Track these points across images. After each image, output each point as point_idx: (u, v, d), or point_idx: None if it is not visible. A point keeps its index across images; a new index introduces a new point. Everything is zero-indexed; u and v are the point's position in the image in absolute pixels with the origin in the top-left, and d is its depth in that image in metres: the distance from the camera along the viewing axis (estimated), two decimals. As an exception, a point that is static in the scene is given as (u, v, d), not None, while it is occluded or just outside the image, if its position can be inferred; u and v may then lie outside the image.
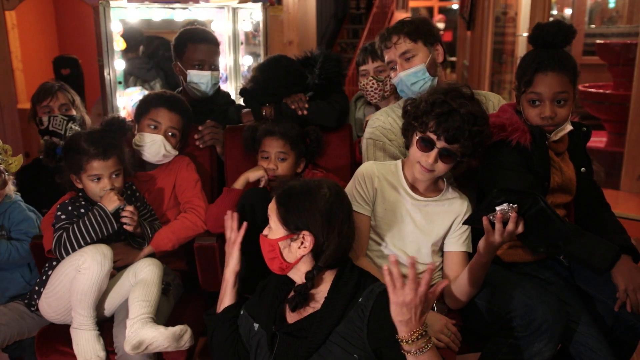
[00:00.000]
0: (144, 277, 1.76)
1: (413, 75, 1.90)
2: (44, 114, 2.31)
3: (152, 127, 2.04)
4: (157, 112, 2.05)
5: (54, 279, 1.77)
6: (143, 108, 2.08)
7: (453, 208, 1.72)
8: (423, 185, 1.72)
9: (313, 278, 1.42)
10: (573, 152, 1.87)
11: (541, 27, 1.74)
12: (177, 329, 1.64)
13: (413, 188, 1.71)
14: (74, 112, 2.35)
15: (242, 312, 1.57)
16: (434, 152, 1.59)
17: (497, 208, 1.43)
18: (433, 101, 1.58)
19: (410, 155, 1.68)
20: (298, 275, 1.45)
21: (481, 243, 1.51)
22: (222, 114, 2.45)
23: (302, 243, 1.40)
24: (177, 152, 2.10)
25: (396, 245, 1.71)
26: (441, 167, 1.61)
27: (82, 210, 1.83)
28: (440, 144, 1.58)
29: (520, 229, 1.44)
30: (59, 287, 1.75)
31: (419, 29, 1.91)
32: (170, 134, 2.06)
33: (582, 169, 1.86)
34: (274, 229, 1.44)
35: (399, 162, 1.76)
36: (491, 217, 1.45)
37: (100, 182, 1.83)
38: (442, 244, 1.75)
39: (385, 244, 1.72)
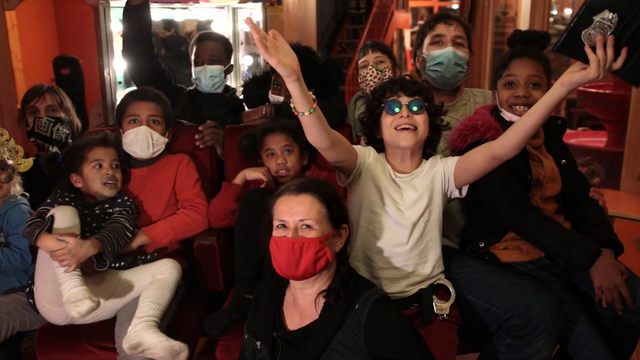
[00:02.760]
0: (162, 277, 1.76)
1: (460, 59, 2.04)
2: (29, 115, 2.30)
3: (133, 121, 2.04)
4: (132, 106, 2.06)
5: (38, 266, 1.77)
6: (120, 111, 2.09)
7: (432, 166, 1.69)
8: (406, 164, 1.69)
9: (345, 271, 1.45)
10: (551, 145, 1.87)
11: (519, 31, 1.88)
12: (176, 344, 1.64)
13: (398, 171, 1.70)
14: (61, 114, 2.32)
15: (245, 336, 1.55)
16: (403, 108, 1.62)
17: (596, 18, 1.30)
18: (378, 88, 1.71)
19: (387, 136, 1.66)
20: (323, 279, 1.45)
21: (568, 76, 1.45)
22: (229, 111, 2.51)
23: (340, 236, 1.46)
24: (166, 140, 2.09)
25: (392, 214, 1.67)
26: (420, 121, 1.62)
27: (67, 200, 1.85)
28: (404, 99, 1.63)
29: (622, 57, 1.36)
30: (42, 268, 1.75)
31: (469, 33, 2.11)
32: (152, 121, 2.05)
33: (563, 161, 1.86)
34: (318, 228, 1.40)
35: (382, 154, 1.74)
36: (589, 40, 1.31)
37: (101, 169, 1.88)
38: (445, 198, 1.71)
39: (384, 212, 1.67)
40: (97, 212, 1.90)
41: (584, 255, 1.63)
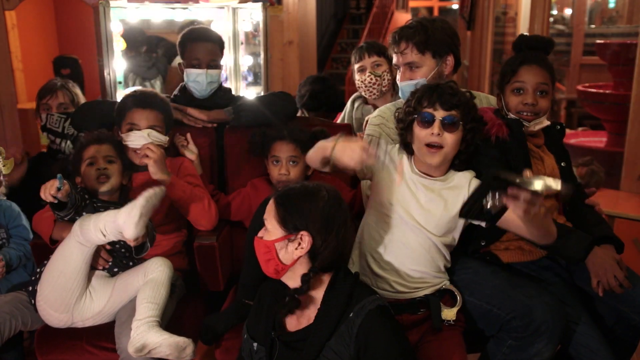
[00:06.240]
0: (154, 277, 1.75)
1: (413, 87, 1.89)
2: (43, 111, 2.43)
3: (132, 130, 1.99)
4: (132, 114, 1.99)
5: (49, 270, 1.74)
6: (119, 115, 2.03)
7: (459, 182, 1.67)
8: (432, 171, 1.67)
9: (309, 281, 1.39)
10: (551, 148, 1.88)
11: (524, 36, 1.89)
12: (181, 340, 1.63)
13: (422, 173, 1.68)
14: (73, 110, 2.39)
15: (244, 336, 1.55)
16: (436, 123, 1.59)
17: (487, 206, 1.37)
18: (417, 90, 1.67)
19: (415, 147, 1.66)
20: (293, 279, 1.43)
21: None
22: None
23: (299, 244, 1.38)
24: (166, 137, 2.04)
25: (401, 213, 1.67)
26: (449, 140, 1.59)
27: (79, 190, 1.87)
28: (439, 114, 1.60)
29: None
30: (52, 273, 1.73)
31: (429, 40, 1.88)
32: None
33: (562, 163, 1.88)
34: (271, 231, 1.42)
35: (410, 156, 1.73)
36: (496, 203, 1.36)
37: (94, 166, 1.88)
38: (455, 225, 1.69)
39: (393, 211, 1.67)
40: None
41: (579, 247, 1.65)
